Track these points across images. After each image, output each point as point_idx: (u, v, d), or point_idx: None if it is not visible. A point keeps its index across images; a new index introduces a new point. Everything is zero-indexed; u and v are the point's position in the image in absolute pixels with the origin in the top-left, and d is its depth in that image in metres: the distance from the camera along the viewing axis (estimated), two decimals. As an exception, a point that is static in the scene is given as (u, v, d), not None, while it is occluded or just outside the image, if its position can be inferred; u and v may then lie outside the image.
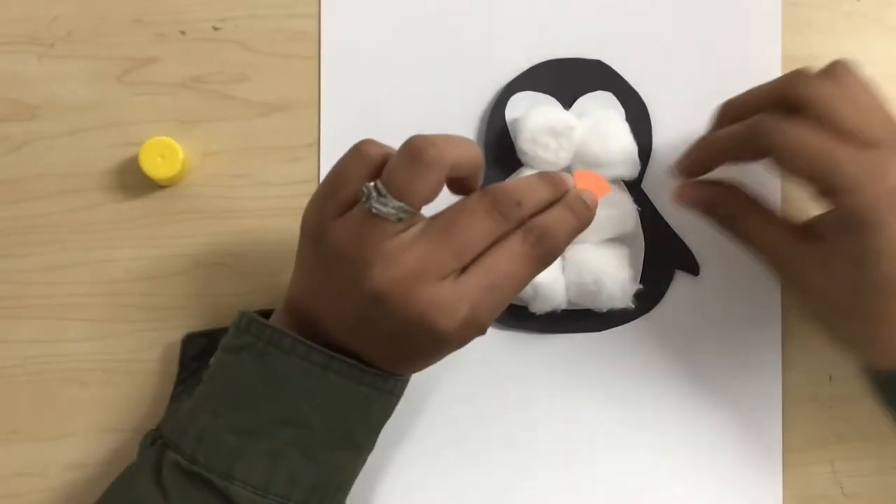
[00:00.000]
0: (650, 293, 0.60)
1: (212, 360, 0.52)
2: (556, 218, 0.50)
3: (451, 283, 0.48)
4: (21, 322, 0.60)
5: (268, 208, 0.61)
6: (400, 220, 0.48)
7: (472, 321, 0.48)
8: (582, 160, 0.59)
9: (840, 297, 0.52)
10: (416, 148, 0.48)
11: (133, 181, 0.60)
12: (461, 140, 0.49)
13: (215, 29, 0.61)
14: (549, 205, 0.50)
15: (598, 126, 0.59)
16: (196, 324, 0.60)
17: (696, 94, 0.61)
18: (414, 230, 0.48)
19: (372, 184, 0.48)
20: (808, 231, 0.54)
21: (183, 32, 0.61)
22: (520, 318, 0.60)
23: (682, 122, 0.61)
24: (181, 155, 0.59)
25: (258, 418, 0.50)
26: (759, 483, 0.61)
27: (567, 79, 0.61)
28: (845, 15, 0.63)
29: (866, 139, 0.51)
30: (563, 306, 0.59)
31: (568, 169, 0.59)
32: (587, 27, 0.62)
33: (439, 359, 0.51)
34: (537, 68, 0.61)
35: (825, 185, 0.51)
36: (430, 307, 0.47)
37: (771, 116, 0.53)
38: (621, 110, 0.61)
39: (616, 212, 0.59)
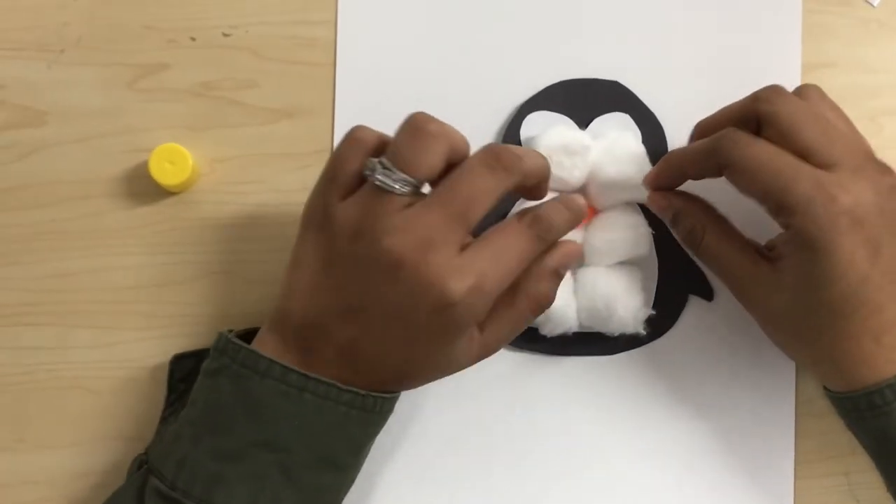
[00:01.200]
0: (663, 318, 0.60)
1: (196, 383, 0.52)
2: (551, 207, 0.51)
3: (458, 253, 0.48)
4: (29, 329, 0.60)
5: (277, 215, 0.60)
6: (405, 193, 0.48)
7: (479, 289, 0.48)
8: (597, 181, 0.58)
9: (794, 318, 0.52)
10: (419, 121, 0.49)
11: (142, 188, 0.60)
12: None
13: (225, 35, 0.61)
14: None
15: (613, 147, 0.58)
16: (204, 331, 0.60)
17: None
18: (420, 202, 0.49)
19: (376, 159, 0.49)
20: (767, 252, 0.53)
21: (193, 39, 0.61)
22: (530, 339, 0.59)
23: (698, 144, 0.61)
24: (190, 161, 0.58)
25: (237, 442, 0.50)
26: (771, 496, 0.60)
27: (583, 99, 0.60)
28: (862, 22, 0.62)
29: (825, 159, 0.50)
30: (574, 329, 0.59)
31: (582, 189, 0.59)
32: (604, 47, 0.61)
33: (440, 349, 0.50)
34: (553, 88, 0.60)
35: (778, 204, 0.50)
36: (441, 272, 0.47)
37: (733, 131, 0.52)
38: (637, 132, 0.60)
39: (630, 234, 0.58)
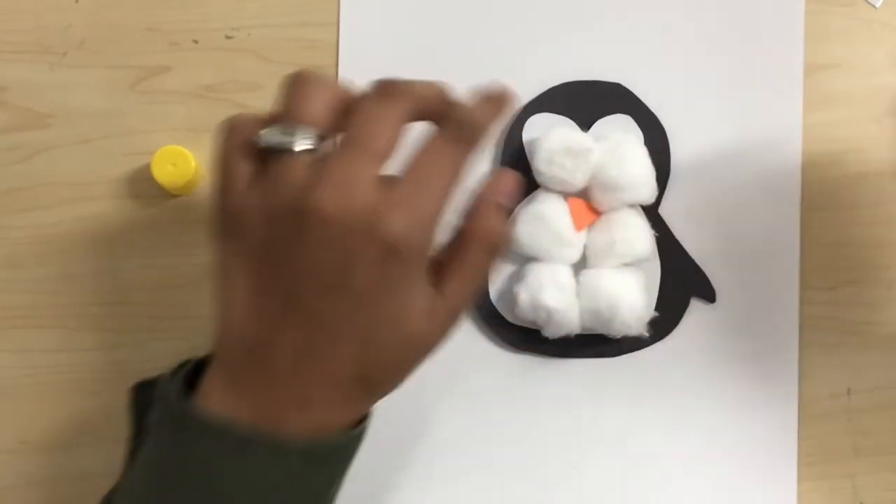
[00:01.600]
0: (665, 320, 0.60)
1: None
2: (463, 104, 0.46)
3: (382, 189, 0.43)
4: (32, 331, 0.60)
5: (280, 217, 0.60)
6: (306, 147, 0.43)
7: (415, 217, 0.43)
8: (599, 183, 0.58)
9: None
10: (292, 76, 0.45)
11: (145, 190, 0.60)
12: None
13: (228, 38, 0.61)
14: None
15: (616, 149, 0.58)
16: (206, 333, 0.60)
17: (715, 118, 0.61)
18: (325, 154, 0.44)
19: (262, 130, 0.44)
20: None
21: (196, 41, 0.61)
22: (533, 342, 0.59)
23: (701, 146, 0.60)
24: (193, 163, 0.58)
25: None
26: (774, 500, 0.60)
27: (585, 101, 0.60)
28: (864, 23, 0.62)
29: None
30: (577, 332, 0.59)
31: (585, 192, 0.59)
32: (606, 49, 0.61)
33: (398, 315, 0.44)
34: (555, 90, 0.60)
35: None
36: (368, 213, 0.42)
37: None
38: (640, 134, 0.60)
39: (632, 236, 0.58)
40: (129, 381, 0.59)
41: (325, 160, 0.43)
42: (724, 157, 0.60)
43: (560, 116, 0.60)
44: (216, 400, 0.44)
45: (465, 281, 0.46)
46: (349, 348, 0.44)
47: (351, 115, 0.44)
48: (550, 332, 0.58)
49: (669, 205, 0.60)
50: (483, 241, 0.46)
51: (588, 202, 0.59)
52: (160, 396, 0.46)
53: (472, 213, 0.47)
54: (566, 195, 0.58)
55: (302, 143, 0.43)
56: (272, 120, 0.44)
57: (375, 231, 0.42)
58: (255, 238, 0.44)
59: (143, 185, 0.60)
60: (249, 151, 0.44)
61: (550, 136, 0.58)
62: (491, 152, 0.60)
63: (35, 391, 0.60)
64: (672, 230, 0.60)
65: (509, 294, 0.59)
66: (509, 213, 0.48)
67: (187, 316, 0.60)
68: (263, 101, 0.60)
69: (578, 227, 0.58)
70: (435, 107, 0.46)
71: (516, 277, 0.59)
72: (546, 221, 0.58)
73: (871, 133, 0.61)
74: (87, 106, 0.61)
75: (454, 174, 0.44)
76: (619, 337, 0.58)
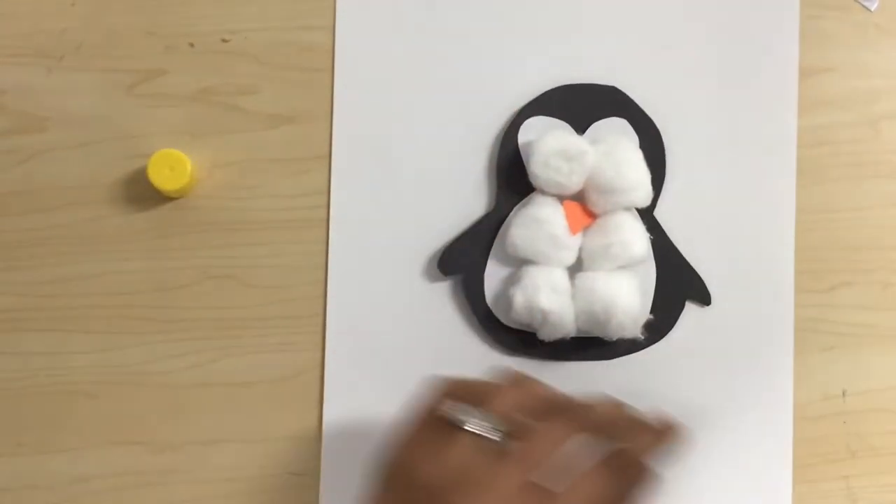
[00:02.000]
0: (660, 322, 0.60)
1: None
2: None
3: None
4: (29, 334, 0.60)
5: (277, 220, 0.61)
6: (475, 432, 0.46)
7: None
8: (595, 186, 0.58)
9: None
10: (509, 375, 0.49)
11: (142, 193, 0.60)
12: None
13: (224, 41, 0.61)
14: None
15: (611, 152, 0.58)
16: (203, 336, 0.60)
17: (710, 121, 0.61)
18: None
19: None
20: None
21: (192, 45, 0.61)
22: (528, 344, 0.60)
23: (696, 150, 0.61)
24: (189, 167, 0.58)
25: None
26: (769, 502, 0.60)
27: (581, 104, 0.60)
28: (859, 26, 0.62)
29: None
30: (572, 334, 0.59)
31: (580, 195, 0.59)
32: (602, 53, 0.61)
33: None
34: (551, 93, 0.61)
35: None
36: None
37: None
38: (635, 137, 0.60)
39: (627, 239, 0.58)
40: (126, 384, 0.60)
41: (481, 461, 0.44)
42: (719, 160, 0.61)
43: (556, 120, 0.60)
44: None
45: None
46: None
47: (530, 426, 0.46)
48: (546, 335, 0.58)
49: (665, 208, 0.60)
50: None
51: (584, 205, 0.59)
52: None
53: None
54: (562, 198, 0.59)
55: (474, 426, 0.45)
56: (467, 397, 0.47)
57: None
58: (399, 497, 0.46)
59: (139, 188, 0.60)
60: (434, 417, 0.47)
61: (546, 140, 0.58)
62: (486, 157, 0.61)
63: (31, 394, 0.60)
64: (667, 233, 0.60)
65: (505, 297, 0.59)
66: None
67: (184, 318, 0.60)
68: (260, 104, 0.61)
69: (574, 231, 0.58)
70: (605, 427, 0.47)
71: (512, 280, 0.59)
72: (542, 224, 0.58)
73: (866, 136, 0.61)
74: (84, 109, 0.61)
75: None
76: (614, 339, 0.59)
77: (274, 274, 0.60)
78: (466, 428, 0.46)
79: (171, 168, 0.58)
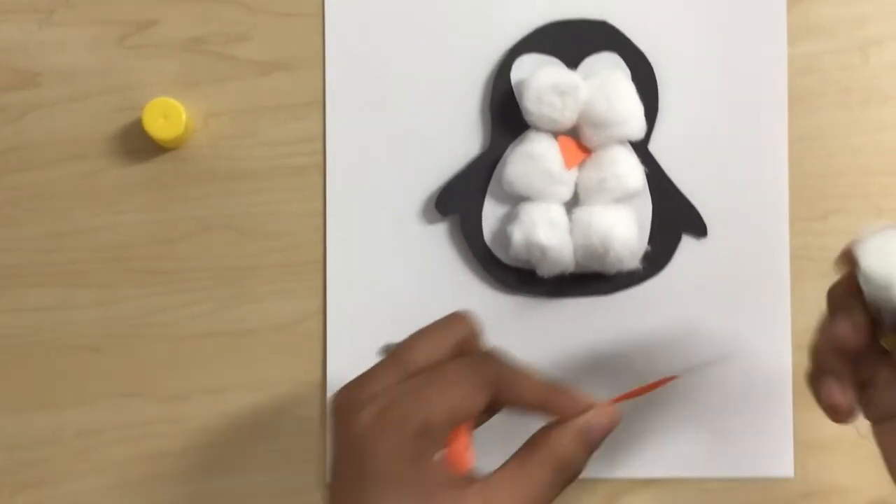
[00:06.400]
0: (657, 256, 0.60)
1: None
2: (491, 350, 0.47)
3: (381, 391, 0.44)
4: (31, 290, 0.60)
5: (272, 168, 0.61)
6: None
7: (387, 418, 0.43)
8: (588, 120, 0.58)
9: None
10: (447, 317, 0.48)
11: (137, 145, 0.60)
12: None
13: (214, -11, 0.61)
14: None
15: (604, 86, 0.58)
16: (204, 286, 0.60)
17: (701, 53, 0.61)
18: None
19: None
20: None
21: (182, -6, 0.61)
22: (528, 282, 0.60)
23: (688, 83, 0.61)
24: (184, 115, 0.58)
25: None
26: (769, 431, 0.61)
27: (572, 40, 0.60)
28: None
29: None
30: (571, 269, 0.59)
31: (574, 131, 0.59)
32: (591, -13, 0.61)
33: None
34: (542, 30, 0.60)
35: None
36: (355, 405, 0.44)
37: None
38: (627, 71, 0.60)
39: (623, 172, 0.58)
40: (129, 336, 0.60)
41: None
42: (710, 92, 0.61)
43: (547, 56, 0.60)
44: None
45: (504, 481, 0.44)
46: None
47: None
48: (545, 271, 0.59)
49: (658, 141, 0.60)
50: (549, 457, 0.44)
51: (578, 140, 0.59)
52: None
53: (552, 429, 0.45)
54: (556, 134, 0.59)
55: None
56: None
57: (351, 422, 0.43)
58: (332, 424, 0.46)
59: (135, 141, 0.60)
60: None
61: (538, 75, 0.58)
62: (479, 96, 0.61)
63: (37, 349, 0.60)
64: (662, 166, 0.60)
65: (503, 235, 0.59)
66: (592, 451, 0.46)
67: (185, 269, 0.61)
68: (252, 52, 0.61)
69: (569, 166, 0.58)
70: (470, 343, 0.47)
71: (510, 218, 0.59)
72: (537, 161, 0.58)
73: (856, 62, 0.61)
74: (77, 63, 0.61)
75: (459, 392, 0.44)
76: (612, 273, 0.59)
77: (272, 222, 0.61)
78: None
79: (165, 116, 0.58)
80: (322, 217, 0.61)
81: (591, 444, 0.45)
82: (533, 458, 0.44)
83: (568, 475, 0.45)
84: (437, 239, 0.61)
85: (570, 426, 0.45)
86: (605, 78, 0.59)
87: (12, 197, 0.61)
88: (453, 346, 0.46)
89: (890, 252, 0.43)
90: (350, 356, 0.60)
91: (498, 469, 0.44)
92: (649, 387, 0.49)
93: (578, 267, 0.59)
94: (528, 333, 0.61)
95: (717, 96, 0.61)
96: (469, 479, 0.44)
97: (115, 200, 0.61)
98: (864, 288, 0.45)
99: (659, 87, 0.60)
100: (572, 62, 0.60)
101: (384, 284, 0.60)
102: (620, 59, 0.60)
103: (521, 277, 0.60)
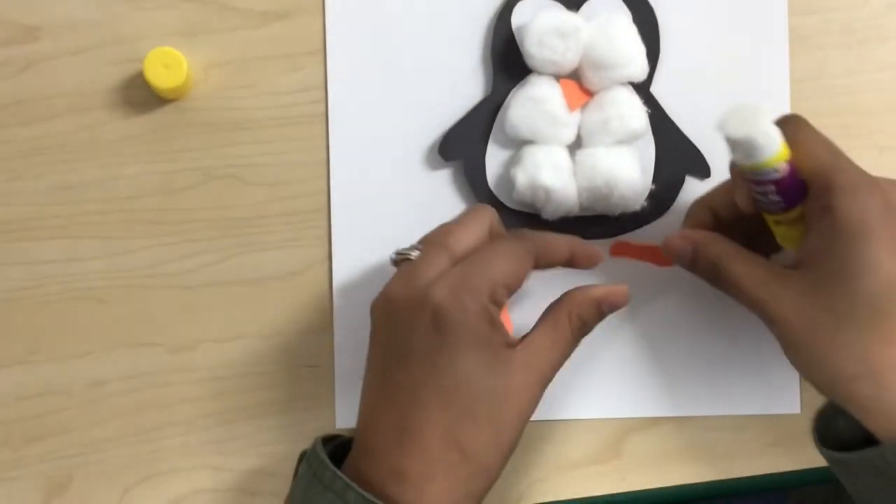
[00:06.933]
0: (661, 197, 0.60)
1: None
2: (548, 233, 0.55)
3: (440, 273, 0.51)
4: (36, 243, 0.61)
5: (274, 118, 0.61)
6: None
7: (461, 286, 0.49)
8: (590, 62, 0.58)
9: (828, 325, 0.48)
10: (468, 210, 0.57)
11: (139, 97, 0.61)
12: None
13: (214, -62, 0.61)
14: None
15: (605, 28, 0.58)
16: (209, 236, 0.61)
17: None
18: None
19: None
20: (792, 265, 0.51)
21: (182, -57, 0.61)
22: (533, 225, 0.60)
23: (689, 25, 0.61)
24: (185, 64, 0.58)
25: None
26: (775, 368, 0.60)
27: (572, -17, 0.60)
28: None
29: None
30: (576, 211, 0.59)
31: (576, 73, 0.59)
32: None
33: (466, 368, 0.49)
34: (543, -27, 0.60)
35: (827, 182, 0.49)
36: (420, 288, 0.50)
37: (799, 116, 0.52)
38: (628, 13, 0.60)
39: (625, 113, 0.58)
40: (136, 287, 0.61)
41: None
42: (711, 34, 0.61)
43: (548, 0, 0.60)
44: (349, 467, 0.51)
45: (544, 346, 0.51)
46: (435, 417, 0.49)
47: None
48: (549, 213, 0.59)
49: (660, 84, 0.60)
50: (573, 322, 0.52)
51: (580, 83, 0.59)
52: (307, 455, 0.52)
53: (571, 295, 0.53)
54: (558, 77, 0.59)
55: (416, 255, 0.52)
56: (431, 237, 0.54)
57: (424, 301, 0.49)
58: (376, 331, 0.52)
59: (137, 93, 0.60)
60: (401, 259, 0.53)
61: (540, 18, 0.58)
62: (480, 41, 0.61)
63: (43, 302, 0.60)
64: (664, 108, 0.60)
65: (507, 179, 0.59)
66: (602, 318, 0.54)
67: (190, 220, 0.61)
68: (252, 3, 0.61)
69: (572, 108, 0.58)
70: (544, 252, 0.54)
71: (513, 161, 0.59)
72: (540, 103, 0.58)
73: (856, 2, 0.61)
74: (76, 15, 0.60)
75: (511, 266, 0.51)
76: (616, 215, 0.59)
77: (276, 172, 0.61)
78: (410, 256, 0.52)
79: (166, 66, 0.58)
80: (325, 166, 0.61)
81: (603, 314, 0.53)
82: (559, 323, 0.52)
83: (582, 336, 0.53)
84: (441, 184, 0.61)
85: (590, 295, 0.53)
86: (607, 20, 0.59)
87: (15, 151, 0.61)
88: (486, 231, 0.53)
89: (742, 118, 0.48)
90: (356, 302, 0.60)
91: (533, 333, 0.52)
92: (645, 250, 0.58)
93: (583, 209, 0.59)
94: (532, 276, 0.60)
95: (718, 38, 0.61)
96: (514, 341, 0.51)
97: (118, 152, 0.61)
98: (733, 157, 0.51)
99: (660, 30, 0.60)
100: (573, 6, 0.60)
101: (388, 230, 0.60)
102: (621, 1, 0.60)
103: (526, 221, 0.60)
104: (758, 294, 0.51)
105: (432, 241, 0.52)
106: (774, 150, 0.49)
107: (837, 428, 0.51)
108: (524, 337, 0.51)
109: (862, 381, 0.47)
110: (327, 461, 0.50)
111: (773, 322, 0.51)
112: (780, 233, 0.54)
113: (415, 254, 0.52)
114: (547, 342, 0.51)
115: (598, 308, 0.53)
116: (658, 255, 0.57)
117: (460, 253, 0.51)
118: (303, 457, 0.54)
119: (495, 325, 0.50)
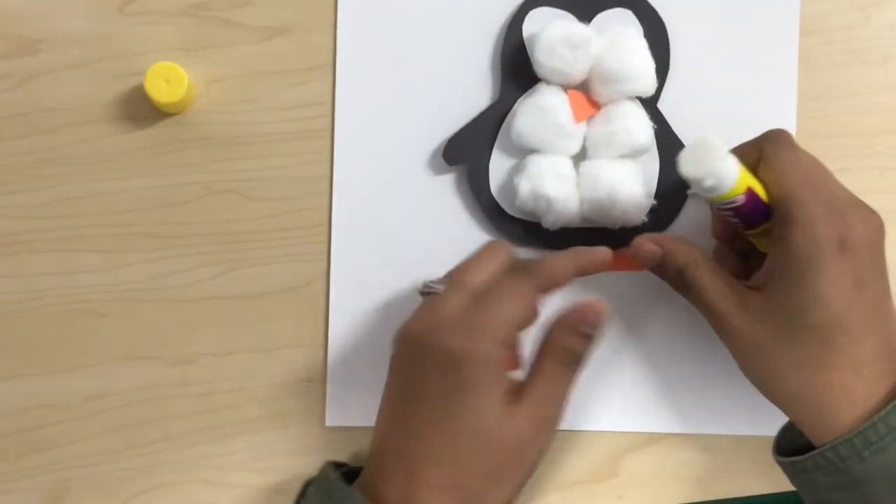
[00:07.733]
0: (664, 212, 0.60)
1: None
2: (551, 256, 0.54)
3: (457, 315, 0.51)
4: (35, 256, 0.60)
5: (276, 133, 0.61)
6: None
7: (475, 331, 0.50)
8: (599, 75, 0.58)
9: (777, 348, 0.52)
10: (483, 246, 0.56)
11: (140, 111, 0.61)
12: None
13: (214, -47, 0.61)
14: None
15: (616, 41, 0.59)
16: (209, 250, 0.61)
17: (714, 13, 0.61)
18: None
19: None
20: (753, 284, 0.54)
21: (182, -42, 0.61)
22: (533, 235, 0.60)
23: (699, 41, 0.61)
24: (186, 78, 0.58)
25: None
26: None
27: (585, -5, 0.61)
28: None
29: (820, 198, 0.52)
30: (577, 222, 0.59)
31: (585, 85, 0.59)
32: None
33: (473, 418, 0.50)
34: (555, -17, 0.61)
35: (787, 214, 0.51)
36: (436, 329, 0.51)
37: (782, 131, 0.54)
38: (639, 28, 0.60)
39: (632, 127, 0.58)
40: (133, 301, 0.61)
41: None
42: (721, 52, 0.61)
43: (560, 10, 0.60)
44: (361, 486, 0.52)
45: (543, 392, 0.52)
46: (439, 453, 0.50)
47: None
48: (550, 222, 0.59)
49: (668, 100, 0.60)
50: (558, 353, 0.52)
51: (588, 95, 0.59)
52: (320, 476, 0.54)
53: (551, 330, 0.53)
54: (566, 87, 0.59)
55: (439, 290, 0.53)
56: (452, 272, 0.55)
57: (440, 344, 0.50)
58: (396, 360, 0.53)
59: (137, 107, 0.60)
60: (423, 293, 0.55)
61: (551, 28, 0.58)
62: (490, 49, 0.61)
63: (42, 315, 0.60)
64: (670, 124, 0.60)
65: (510, 187, 0.59)
66: (590, 340, 0.53)
67: (189, 234, 0.61)
68: (253, 18, 0.61)
69: (578, 119, 0.58)
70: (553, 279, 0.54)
71: (517, 169, 0.59)
72: (546, 113, 0.58)
73: (857, 22, 0.61)
74: (77, 30, 0.60)
75: (521, 303, 0.52)
76: (617, 227, 0.59)
77: (276, 186, 0.61)
78: (436, 291, 0.53)
79: (167, 80, 0.58)
80: (328, 182, 0.61)
81: (589, 335, 0.53)
82: (548, 365, 0.52)
83: (579, 365, 0.53)
84: (444, 191, 0.61)
85: (565, 323, 0.52)
86: (618, 33, 0.59)
87: (15, 163, 0.61)
88: (500, 267, 0.54)
89: (696, 157, 0.51)
90: (353, 317, 0.60)
91: (529, 382, 0.52)
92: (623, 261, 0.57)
93: (584, 221, 0.59)
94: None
95: (729, 56, 0.61)
96: (518, 388, 0.51)
97: (119, 166, 0.61)
98: (693, 190, 0.52)
99: (671, 46, 0.60)
100: (585, 17, 0.60)
101: (389, 236, 0.60)
102: (633, 15, 0.60)
103: (527, 229, 0.60)
104: (717, 305, 0.53)
105: (453, 279, 0.53)
106: (729, 185, 0.51)
107: (800, 441, 0.54)
108: (523, 386, 0.52)
109: (805, 399, 0.52)
110: (341, 481, 0.51)
111: (726, 333, 0.54)
112: (758, 244, 0.56)
113: (440, 288, 0.53)
114: (546, 389, 0.52)
115: (578, 333, 0.52)
116: (627, 260, 0.57)
117: (473, 290, 0.52)
118: (306, 486, 0.54)
119: (503, 375, 0.51)
